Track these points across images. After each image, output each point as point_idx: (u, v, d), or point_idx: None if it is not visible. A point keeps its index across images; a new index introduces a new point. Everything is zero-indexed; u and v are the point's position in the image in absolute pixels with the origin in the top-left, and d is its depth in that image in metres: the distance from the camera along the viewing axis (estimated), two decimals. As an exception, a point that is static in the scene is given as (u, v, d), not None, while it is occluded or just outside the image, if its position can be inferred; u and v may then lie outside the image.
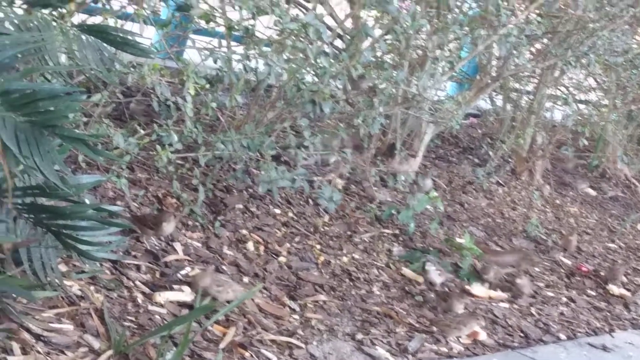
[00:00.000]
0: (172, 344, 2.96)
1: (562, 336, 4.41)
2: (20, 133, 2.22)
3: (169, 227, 3.72)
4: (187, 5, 4.01)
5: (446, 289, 4.48)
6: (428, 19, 4.90)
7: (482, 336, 4.02)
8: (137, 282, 3.35)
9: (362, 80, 4.68)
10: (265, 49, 4.28)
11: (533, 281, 5.00)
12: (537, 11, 5.79)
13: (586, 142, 6.58)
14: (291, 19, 4.13)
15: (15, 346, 2.61)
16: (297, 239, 4.41)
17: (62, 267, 3.07)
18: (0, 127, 2.17)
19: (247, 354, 3.15)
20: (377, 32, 4.90)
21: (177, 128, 4.17)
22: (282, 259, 4.12)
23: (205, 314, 3.20)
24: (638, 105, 7.71)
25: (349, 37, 4.86)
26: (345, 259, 4.42)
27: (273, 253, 4.15)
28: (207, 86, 4.18)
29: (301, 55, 4.36)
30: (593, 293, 5.25)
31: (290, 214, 4.64)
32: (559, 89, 7.50)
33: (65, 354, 2.71)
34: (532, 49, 6.65)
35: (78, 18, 3.94)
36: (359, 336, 3.64)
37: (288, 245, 4.29)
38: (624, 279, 5.58)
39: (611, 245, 6.50)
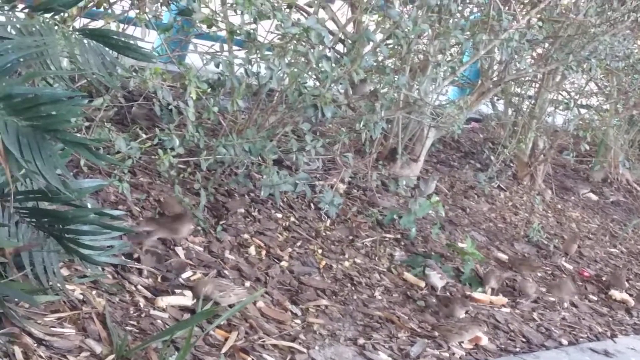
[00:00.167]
0: (174, 348, 2.96)
1: (564, 341, 4.40)
2: (22, 137, 2.21)
3: (186, 228, 3.75)
4: (189, 9, 4.01)
5: (448, 294, 4.47)
6: (430, 23, 4.90)
7: (484, 341, 4.01)
8: (139, 287, 3.34)
9: (363, 84, 4.68)
10: (267, 53, 4.28)
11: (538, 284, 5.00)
12: (539, 16, 5.80)
13: (588, 147, 6.58)
14: (293, 23, 4.13)
15: (17, 350, 2.60)
16: (299, 244, 4.40)
17: (64, 272, 3.07)
18: (2, 131, 2.16)
19: (249, 359, 3.14)
20: (379, 36, 4.90)
21: (178, 132, 4.17)
22: (284, 263, 4.12)
23: (207, 319, 3.19)
24: (639, 110, 7.71)
25: (350, 42, 4.86)
26: (347, 263, 4.41)
27: (275, 257, 4.15)
28: (209, 90, 4.18)
29: (303, 59, 4.37)
30: (595, 298, 5.24)
31: (292, 219, 4.63)
32: (560, 94, 7.50)
33: (67, 359, 2.70)
34: (534, 54, 6.65)
35: (80, 22, 3.95)
36: (361, 341, 3.63)
37: (290, 249, 4.29)
38: (626, 284, 5.57)
39: (613, 250, 6.49)
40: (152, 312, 3.20)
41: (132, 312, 3.15)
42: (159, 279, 3.48)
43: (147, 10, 3.98)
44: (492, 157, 6.85)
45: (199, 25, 4.39)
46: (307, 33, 4.11)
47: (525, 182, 7.20)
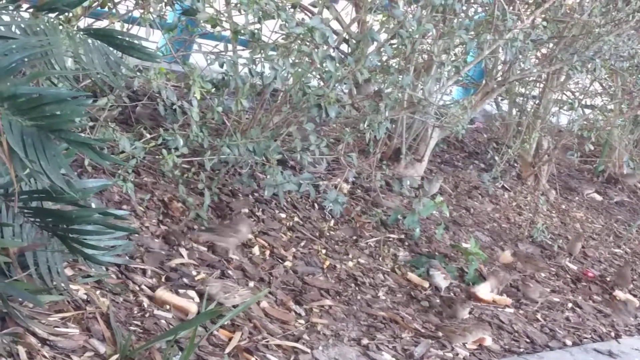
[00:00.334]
0: (178, 348, 2.95)
1: (568, 342, 4.40)
2: (26, 137, 2.21)
3: (246, 231, 3.88)
4: (193, 9, 4.01)
5: (452, 294, 4.47)
6: (434, 23, 4.89)
7: (488, 342, 4.00)
8: (143, 286, 3.34)
9: (367, 84, 4.67)
10: (271, 53, 4.28)
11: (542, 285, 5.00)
12: (543, 16, 5.79)
13: (592, 147, 6.56)
14: (297, 23, 4.13)
15: (21, 350, 2.60)
16: (302, 244, 4.40)
17: (68, 271, 3.07)
18: (6, 131, 2.17)
19: (252, 359, 3.14)
20: (383, 36, 4.89)
21: (183, 132, 4.17)
22: (287, 263, 4.11)
23: (210, 319, 3.19)
24: (644, 110, 7.70)
25: (354, 41, 4.86)
26: (350, 263, 4.41)
27: (279, 257, 4.14)
28: (213, 90, 4.18)
29: (307, 59, 4.36)
30: (599, 298, 5.24)
31: (296, 219, 4.63)
32: (564, 94, 7.49)
33: (71, 358, 2.70)
34: (538, 54, 6.65)
35: (84, 22, 3.95)
36: (365, 341, 3.63)
37: (294, 249, 4.29)
38: (630, 283, 5.57)
39: (617, 250, 6.48)
40: (156, 312, 3.20)
41: (136, 312, 3.15)
42: (163, 279, 3.48)
43: (151, 10, 3.98)
44: (496, 157, 6.84)
45: (203, 25, 4.39)
46: (311, 33, 4.10)
47: (530, 182, 7.19)
